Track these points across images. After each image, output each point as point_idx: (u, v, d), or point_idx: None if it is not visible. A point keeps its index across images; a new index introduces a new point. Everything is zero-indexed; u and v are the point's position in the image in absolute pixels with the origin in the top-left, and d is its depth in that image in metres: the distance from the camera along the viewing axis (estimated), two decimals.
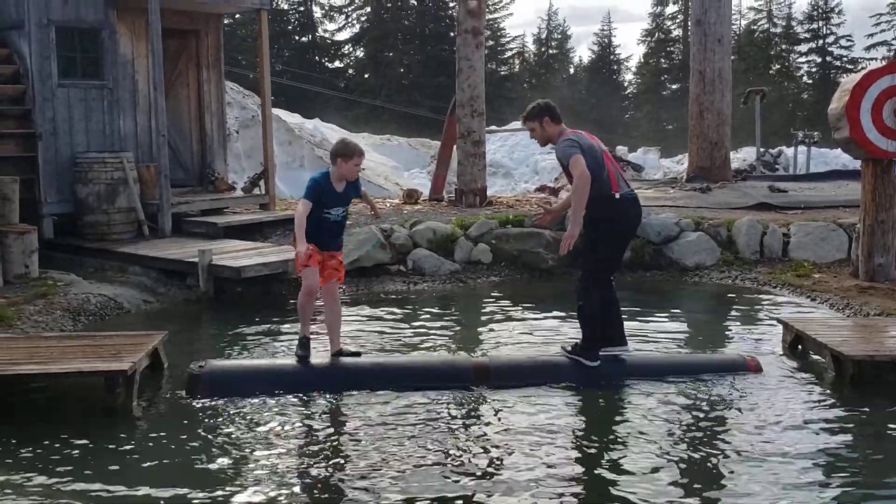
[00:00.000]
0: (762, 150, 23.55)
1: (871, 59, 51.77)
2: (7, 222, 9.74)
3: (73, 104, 11.45)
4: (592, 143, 6.53)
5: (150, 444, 5.38)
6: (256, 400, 6.11)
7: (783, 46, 56.02)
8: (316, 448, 5.33)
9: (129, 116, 12.00)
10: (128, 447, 5.33)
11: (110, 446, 5.30)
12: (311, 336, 6.71)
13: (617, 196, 6.46)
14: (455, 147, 14.65)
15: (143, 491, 4.64)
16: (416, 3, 56.65)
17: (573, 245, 6.23)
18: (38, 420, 5.77)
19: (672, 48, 58.84)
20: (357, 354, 6.70)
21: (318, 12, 58.55)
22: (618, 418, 5.90)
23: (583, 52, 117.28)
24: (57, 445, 5.25)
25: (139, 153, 11.98)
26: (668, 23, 59.48)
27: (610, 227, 6.51)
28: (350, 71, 58.96)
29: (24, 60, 11.16)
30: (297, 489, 4.71)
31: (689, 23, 18.72)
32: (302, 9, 57.92)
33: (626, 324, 6.99)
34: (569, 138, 6.45)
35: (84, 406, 6.03)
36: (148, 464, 5.05)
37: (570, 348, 6.76)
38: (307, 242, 6.31)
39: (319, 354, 6.70)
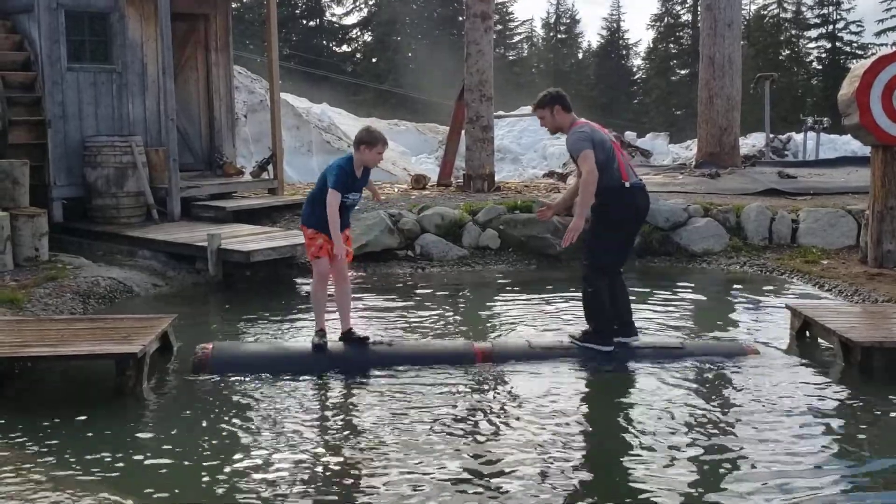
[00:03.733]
0: (771, 135, 23.45)
1: (882, 44, 51.53)
2: (17, 205, 9.77)
3: (82, 88, 11.46)
4: (603, 135, 6.56)
5: (160, 426, 5.42)
6: (266, 381, 6.16)
7: (793, 32, 55.65)
8: (325, 427, 5.37)
9: (138, 100, 12.00)
10: (138, 429, 5.36)
11: (120, 429, 5.33)
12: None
13: (627, 185, 6.51)
14: (463, 132, 14.64)
15: (154, 473, 4.68)
16: None
17: (576, 238, 6.29)
18: (48, 402, 5.80)
19: (681, 33, 58.50)
20: (365, 339, 6.70)
21: None
22: (624, 401, 5.91)
23: (592, 37, 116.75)
24: (66, 428, 5.28)
25: (148, 137, 11.99)
26: (678, 7, 59.16)
27: (618, 215, 6.56)
28: (358, 55, 58.80)
29: (33, 44, 11.18)
30: (307, 467, 4.74)
31: (699, 7, 18.63)
32: None
33: (634, 310, 7.01)
34: (581, 131, 6.48)
35: (94, 389, 6.07)
36: (158, 446, 5.08)
37: (579, 336, 6.78)
38: (316, 228, 6.37)
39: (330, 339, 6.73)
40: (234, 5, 15.12)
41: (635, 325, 6.89)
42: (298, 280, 10.04)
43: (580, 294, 6.90)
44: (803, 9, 55.69)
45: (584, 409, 5.83)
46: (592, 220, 6.59)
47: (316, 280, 6.61)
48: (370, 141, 6.36)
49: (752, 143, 24.37)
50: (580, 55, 64.72)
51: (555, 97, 6.64)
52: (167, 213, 11.49)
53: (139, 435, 5.26)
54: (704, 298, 9.37)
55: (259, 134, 21.56)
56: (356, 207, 6.83)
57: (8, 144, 10.85)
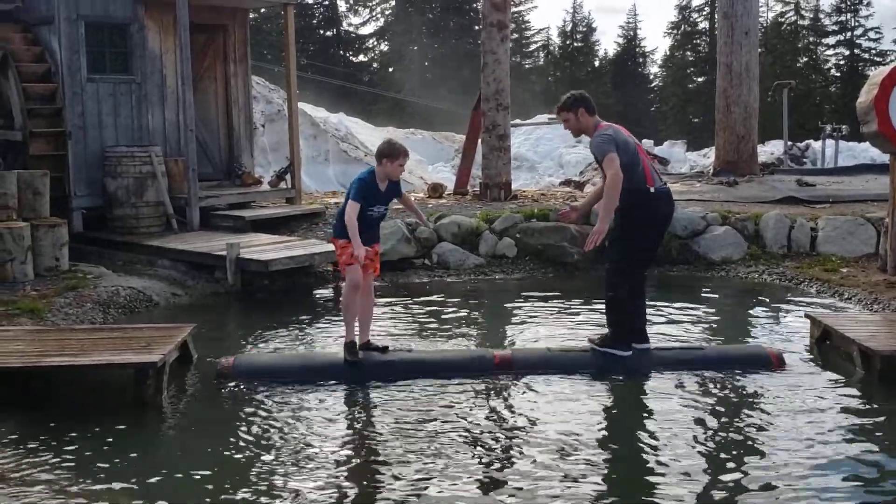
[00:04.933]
0: (790, 143, 23.37)
1: None
2: (38, 216, 9.85)
3: (102, 99, 11.56)
4: (627, 138, 6.54)
5: (180, 435, 5.45)
6: (284, 391, 6.18)
7: (811, 39, 55.38)
8: (343, 437, 5.39)
9: (157, 111, 12.09)
10: (157, 439, 5.40)
11: (139, 438, 5.37)
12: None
13: (651, 189, 6.49)
14: (480, 141, 14.66)
15: (173, 482, 4.70)
16: None
17: (600, 241, 6.26)
18: (68, 412, 5.84)
19: (698, 41, 58.32)
20: (385, 349, 6.74)
21: (342, 6, 58.74)
22: (642, 410, 5.91)
23: (608, 45, 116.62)
24: (87, 437, 5.32)
25: (167, 147, 12.08)
26: (695, 15, 59.01)
27: (642, 220, 6.53)
28: (374, 65, 59.01)
29: (53, 56, 11.30)
30: (324, 478, 4.76)
31: (716, 15, 18.59)
32: (326, 3, 58.03)
33: (652, 318, 7.00)
34: (605, 133, 6.45)
35: (114, 398, 6.11)
36: (177, 455, 5.11)
37: (598, 340, 6.77)
38: (347, 239, 6.42)
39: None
40: (251, 16, 15.20)
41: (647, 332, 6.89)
42: (316, 290, 10.07)
43: (599, 302, 6.89)
44: (821, 16, 55.45)
45: (604, 419, 5.82)
46: (616, 223, 6.57)
47: (348, 288, 6.62)
48: (391, 153, 6.40)
49: (770, 150, 24.27)
50: (597, 63, 64.63)
51: (579, 99, 6.62)
52: (186, 222, 11.55)
53: (158, 444, 5.30)
54: (723, 307, 9.34)
55: (277, 143, 21.67)
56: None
57: (29, 156, 10.95)
